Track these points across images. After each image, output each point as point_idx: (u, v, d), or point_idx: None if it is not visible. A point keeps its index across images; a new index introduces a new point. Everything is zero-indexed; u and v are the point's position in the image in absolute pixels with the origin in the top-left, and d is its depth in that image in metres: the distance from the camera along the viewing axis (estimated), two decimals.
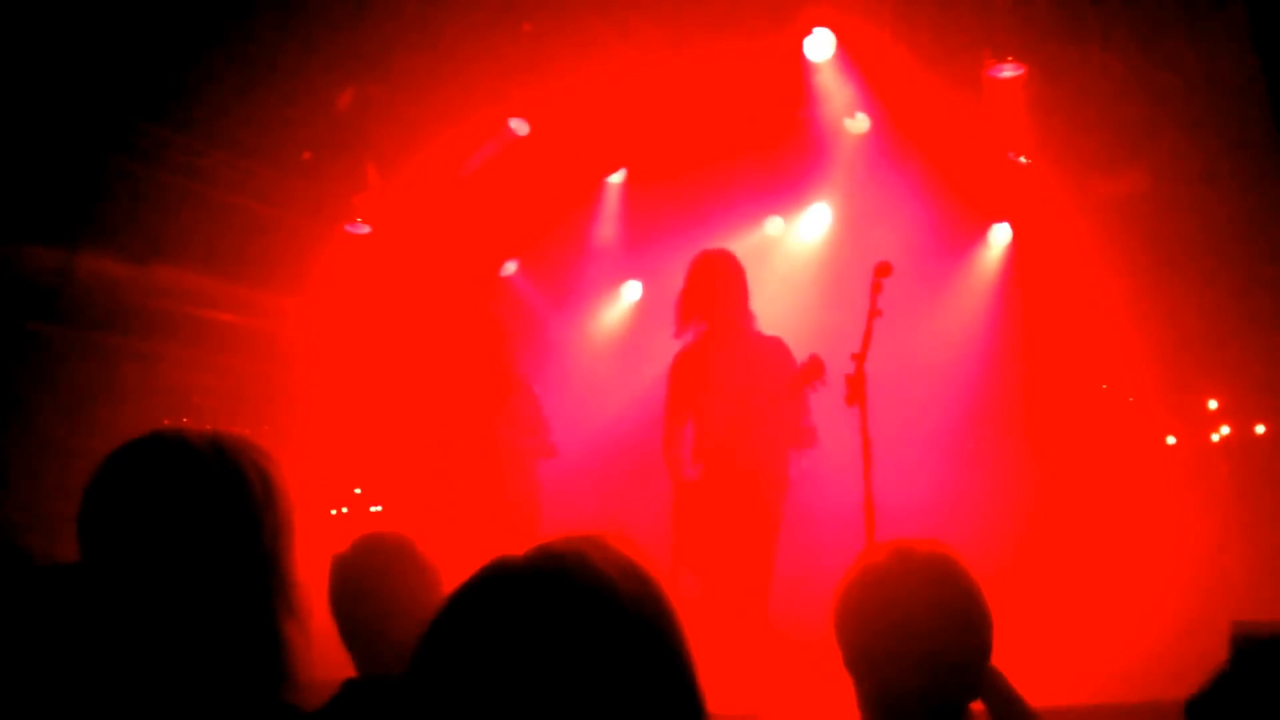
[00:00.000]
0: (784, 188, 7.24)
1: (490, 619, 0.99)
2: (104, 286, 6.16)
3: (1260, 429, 6.10)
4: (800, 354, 4.55)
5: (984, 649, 1.74)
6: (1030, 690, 1.98)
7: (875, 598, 1.72)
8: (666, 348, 5.05)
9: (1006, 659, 1.90)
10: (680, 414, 4.91)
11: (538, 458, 5.76)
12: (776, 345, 4.75)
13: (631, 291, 8.03)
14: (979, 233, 7.02)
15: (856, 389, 3.90)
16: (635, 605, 1.01)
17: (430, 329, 7.36)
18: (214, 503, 1.39)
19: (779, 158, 7.06)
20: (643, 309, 7.93)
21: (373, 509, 7.35)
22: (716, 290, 4.73)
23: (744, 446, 4.64)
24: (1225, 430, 6.18)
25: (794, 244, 7.44)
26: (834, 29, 6.09)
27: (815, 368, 4.29)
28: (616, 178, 7.68)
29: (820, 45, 6.13)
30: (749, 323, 4.80)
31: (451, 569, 2.27)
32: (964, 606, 1.72)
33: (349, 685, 2.16)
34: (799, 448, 4.78)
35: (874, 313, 3.88)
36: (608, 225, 7.82)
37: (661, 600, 1.05)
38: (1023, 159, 6.45)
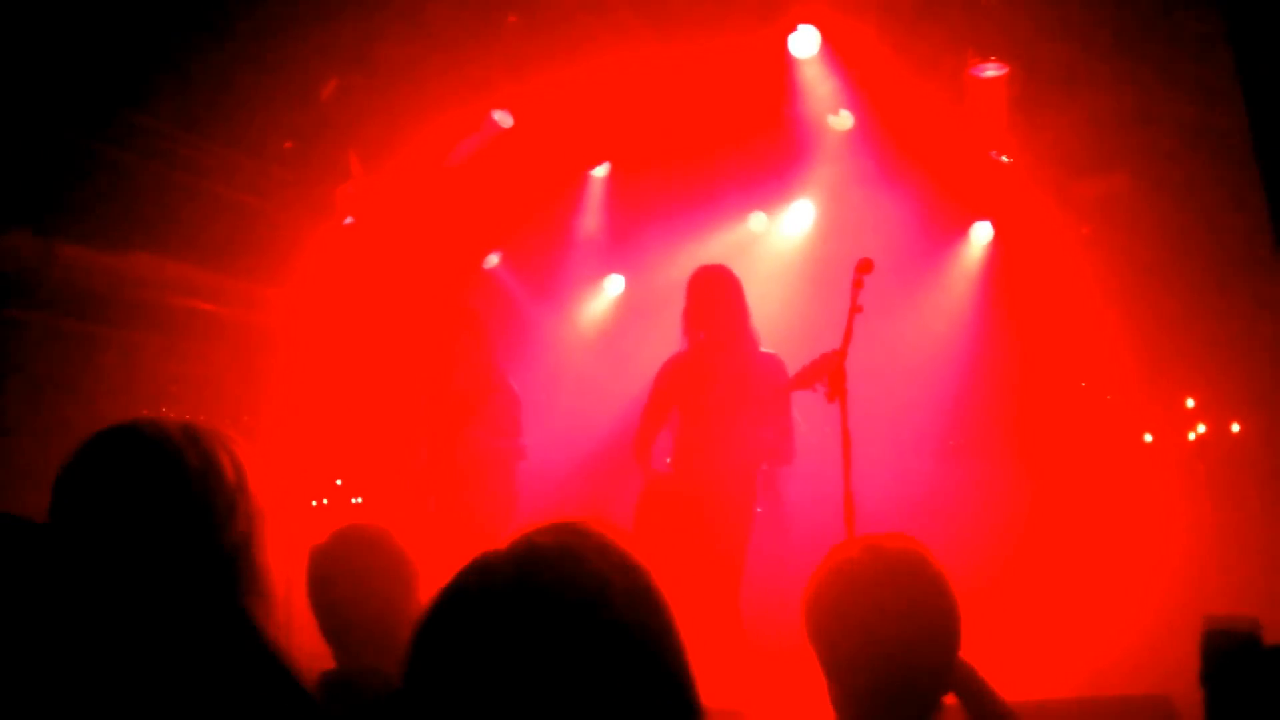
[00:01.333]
0: (767, 184, 7.25)
1: (476, 629, 0.96)
2: (83, 274, 6.10)
3: (1236, 427, 6.15)
4: (791, 363, 4.55)
5: (953, 642, 1.77)
6: (1006, 685, 2.00)
7: (846, 594, 1.75)
8: (648, 342, 5.07)
9: (984, 654, 1.91)
10: (658, 415, 4.96)
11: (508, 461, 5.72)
12: (771, 362, 4.77)
13: (614, 285, 8.02)
14: (961, 230, 7.06)
15: (837, 385, 3.92)
16: (628, 605, 0.98)
17: (411, 322, 7.33)
18: (187, 491, 1.38)
19: (763, 154, 7.07)
20: (625, 303, 7.94)
21: (353, 500, 7.32)
22: (713, 305, 4.80)
23: (719, 451, 4.67)
24: (1201, 429, 6.23)
25: (777, 240, 7.46)
26: (819, 26, 6.10)
27: (834, 372, 3.98)
28: (600, 171, 7.67)
29: (805, 42, 6.15)
30: (747, 338, 4.83)
31: (429, 562, 2.28)
32: (932, 601, 1.75)
33: (325, 677, 2.16)
34: (774, 463, 4.83)
35: (855, 309, 3.90)
36: (591, 219, 7.81)
37: (654, 592, 1.02)
38: (1004, 158, 6.49)
